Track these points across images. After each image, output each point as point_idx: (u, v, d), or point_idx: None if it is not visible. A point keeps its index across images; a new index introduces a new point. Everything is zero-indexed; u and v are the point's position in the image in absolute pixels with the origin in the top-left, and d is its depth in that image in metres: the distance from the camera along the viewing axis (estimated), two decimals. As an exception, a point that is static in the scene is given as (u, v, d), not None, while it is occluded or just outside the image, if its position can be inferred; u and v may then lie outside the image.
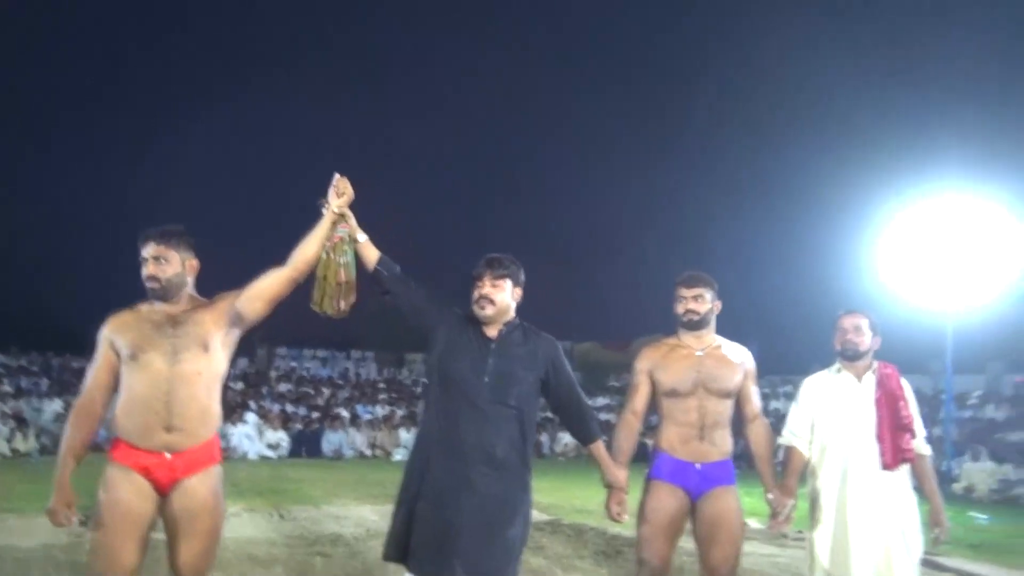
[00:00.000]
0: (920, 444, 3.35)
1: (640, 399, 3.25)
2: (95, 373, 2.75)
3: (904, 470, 3.29)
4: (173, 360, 2.67)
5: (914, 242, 11.67)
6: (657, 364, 3.23)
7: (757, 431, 3.28)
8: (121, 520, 2.59)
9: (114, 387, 2.75)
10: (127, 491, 2.62)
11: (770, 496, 3.25)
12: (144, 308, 2.80)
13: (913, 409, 3.33)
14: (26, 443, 12.04)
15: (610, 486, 3.07)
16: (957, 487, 11.12)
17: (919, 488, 3.33)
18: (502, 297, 2.87)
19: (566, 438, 15.66)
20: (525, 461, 2.84)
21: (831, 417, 3.34)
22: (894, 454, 3.22)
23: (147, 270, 2.76)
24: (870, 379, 3.35)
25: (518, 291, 2.94)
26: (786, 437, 3.45)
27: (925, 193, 11.92)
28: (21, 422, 12.29)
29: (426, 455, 2.81)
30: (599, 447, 3.02)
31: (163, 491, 2.66)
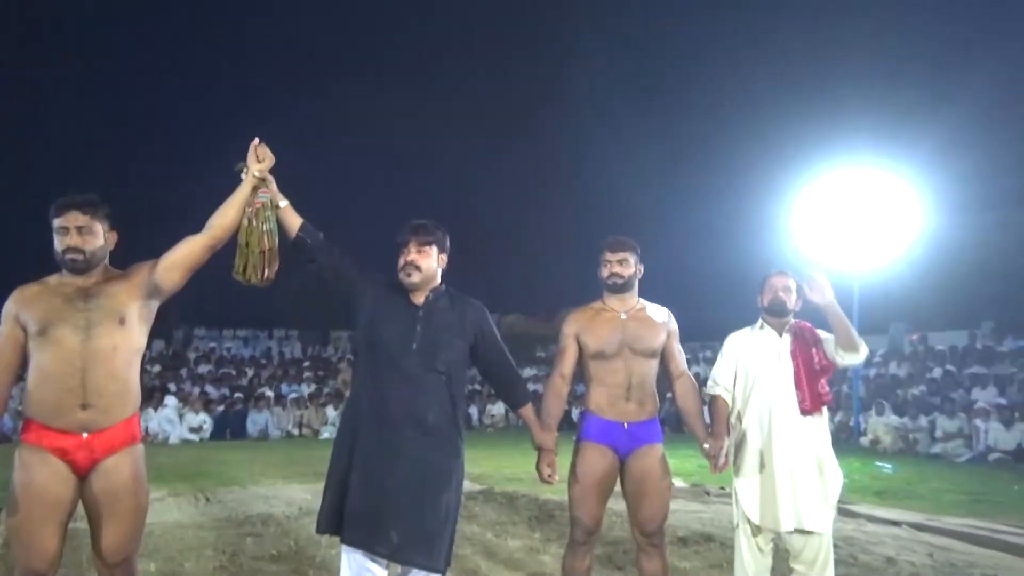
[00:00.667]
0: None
1: (568, 362, 3.31)
2: None
3: (823, 416, 3.47)
4: (86, 335, 2.55)
5: (822, 211, 12.23)
6: (584, 327, 3.30)
7: (684, 387, 3.38)
8: (38, 504, 2.49)
9: (19, 365, 2.61)
10: (42, 473, 2.50)
11: (706, 445, 3.36)
12: (53, 280, 2.66)
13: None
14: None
15: (540, 448, 3.12)
16: (864, 440, 11.79)
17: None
18: (428, 263, 2.86)
19: (495, 409, 15.82)
20: (456, 426, 2.86)
21: (753, 369, 3.49)
22: (813, 399, 3.39)
23: (68, 241, 2.60)
24: (788, 334, 3.52)
25: (444, 257, 2.93)
26: (711, 387, 3.60)
27: (833, 164, 12.50)
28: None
29: (355, 425, 2.79)
30: (528, 410, 3.07)
31: (81, 473, 2.55)
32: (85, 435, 2.54)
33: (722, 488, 7.02)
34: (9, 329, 2.59)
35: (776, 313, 3.51)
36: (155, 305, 2.76)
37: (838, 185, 12.03)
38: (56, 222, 2.62)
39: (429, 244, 2.87)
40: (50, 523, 2.49)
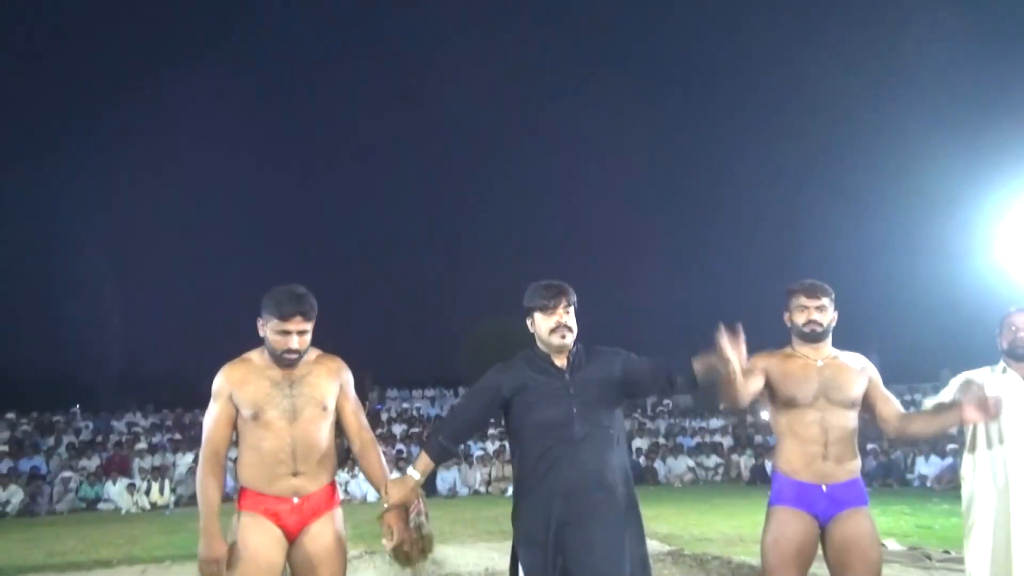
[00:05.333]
0: None
1: (752, 381, 2.91)
2: (216, 426, 2.82)
3: None
4: (293, 418, 2.78)
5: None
6: (774, 367, 3.05)
7: (907, 416, 3.07)
8: (253, 567, 2.68)
9: (232, 436, 2.85)
10: (258, 537, 2.71)
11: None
12: (257, 360, 2.87)
13: None
14: (162, 496, 12.82)
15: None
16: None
17: None
18: (574, 323, 2.89)
19: (679, 466, 15.26)
20: (628, 481, 2.82)
21: (993, 419, 3.06)
22: None
23: (290, 343, 2.78)
24: None
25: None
26: None
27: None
28: (158, 477, 13.09)
29: (530, 504, 2.79)
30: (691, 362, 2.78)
31: (291, 537, 2.76)
32: (296, 499, 2.75)
33: (946, 551, 6.24)
34: (223, 405, 2.83)
35: (1019, 356, 3.13)
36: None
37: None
38: (279, 324, 2.77)
39: (572, 304, 2.89)
40: None
